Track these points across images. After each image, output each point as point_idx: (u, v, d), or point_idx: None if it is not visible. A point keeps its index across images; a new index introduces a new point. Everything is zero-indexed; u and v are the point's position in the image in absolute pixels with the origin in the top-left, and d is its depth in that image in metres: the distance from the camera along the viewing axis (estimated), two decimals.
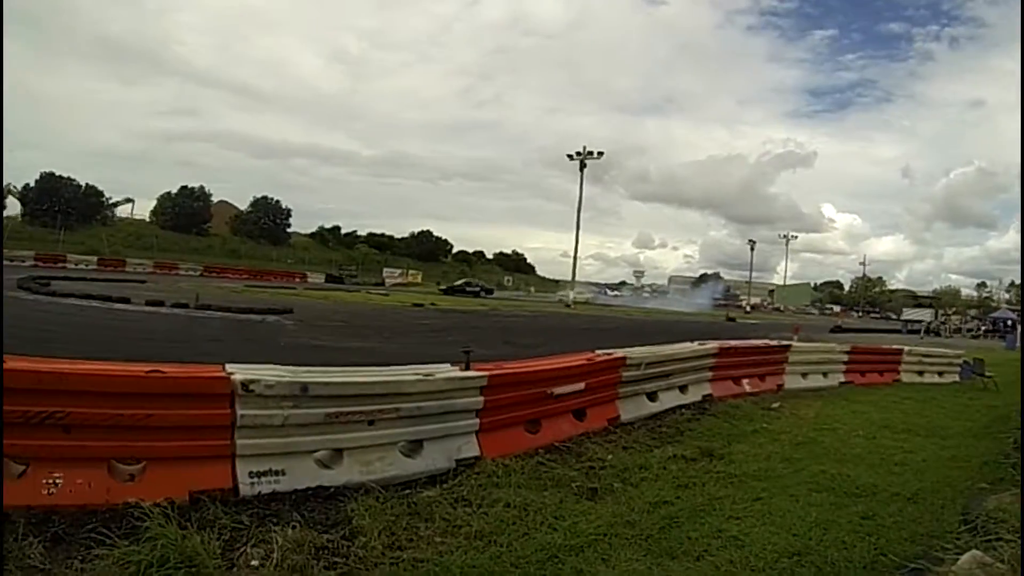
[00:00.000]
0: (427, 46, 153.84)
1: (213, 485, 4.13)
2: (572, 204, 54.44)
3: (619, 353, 7.29)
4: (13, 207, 58.54)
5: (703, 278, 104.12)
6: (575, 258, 52.42)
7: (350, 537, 3.93)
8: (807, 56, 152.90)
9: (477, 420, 5.39)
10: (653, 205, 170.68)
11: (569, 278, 54.41)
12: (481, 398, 5.37)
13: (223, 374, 4.27)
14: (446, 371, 5.33)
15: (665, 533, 4.30)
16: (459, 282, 51.65)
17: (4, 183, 53.90)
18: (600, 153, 51.96)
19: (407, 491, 4.64)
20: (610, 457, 5.93)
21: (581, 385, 6.45)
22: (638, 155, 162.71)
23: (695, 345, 8.92)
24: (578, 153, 51.44)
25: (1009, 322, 51.87)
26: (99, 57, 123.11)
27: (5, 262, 38.10)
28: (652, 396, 7.84)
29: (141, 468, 4.11)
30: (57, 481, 3.88)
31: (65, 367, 4.05)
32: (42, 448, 3.89)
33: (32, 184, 58.50)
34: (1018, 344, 30.39)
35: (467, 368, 5.47)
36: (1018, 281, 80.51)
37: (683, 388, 8.45)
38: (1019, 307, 62.64)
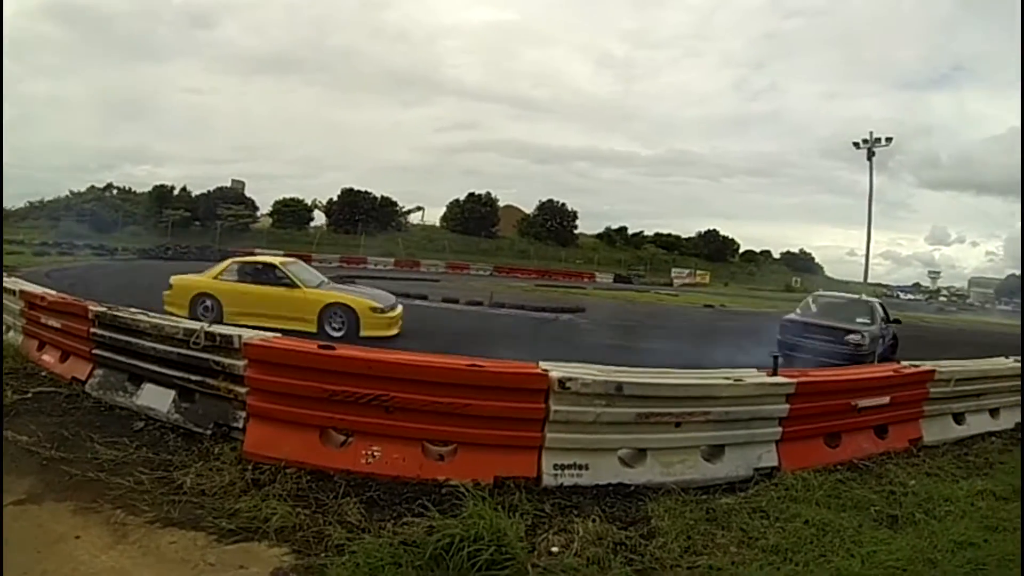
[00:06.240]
0: (692, 40, 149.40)
1: (518, 473, 4.33)
2: (858, 197, 50.37)
3: (927, 366, 6.42)
4: (319, 218, 69.21)
5: (1009, 280, 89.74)
6: (867, 258, 47.49)
7: (648, 536, 3.89)
8: None
9: (780, 429, 5.10)
10: (947, 193, 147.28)
11: (856, 279, 49.95)
12: (787, 406, 5.07)
13: (540, 371, 4.45)
14: (754, 376, 5.12)
15: None
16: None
17: (247, 196, 65.85)
18: (889, 139, 46.77)
19: (705, 496, 4.51)
20: (912, 483, 5.24)
21: (886, 399, 5.81)
22: (925, 136, 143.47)
23: (1010, 361, 7.63)
24: (864, 140, 46.73)
25: None
26: (382, 88, 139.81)
27: (316, 264, 44.47)
28: (959, 418, 6.78)
29: (452, 450, 4.47)
30: (375, 453, 4.40)
31: (393, 357, 4.51)
32: (365, 424, 4.44)
33: (335, 199, 68.08)
34: None
35: (775, 374, 5.18)
36: None
37: (994, 412, 7.19)
38: None
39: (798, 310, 13.59)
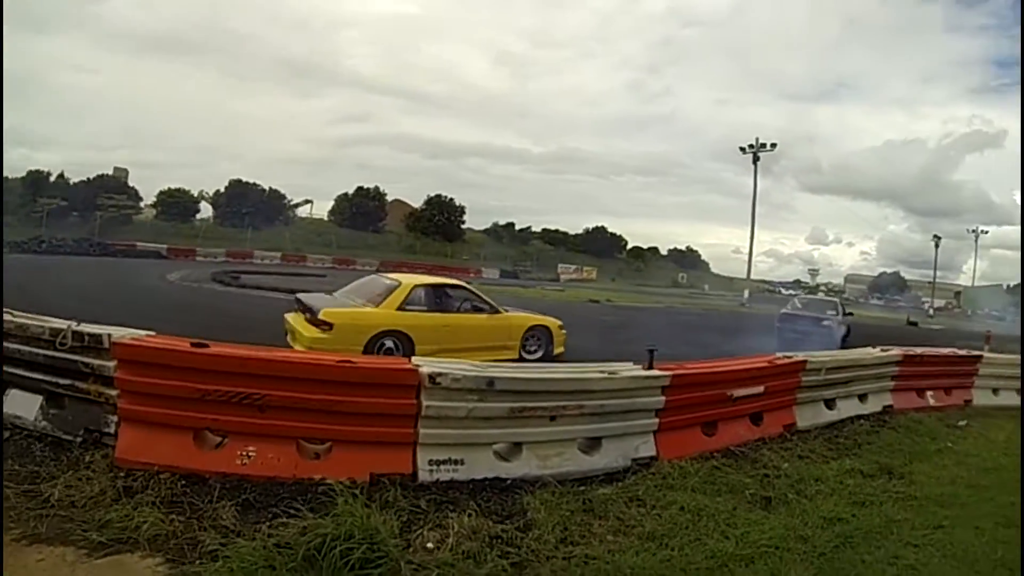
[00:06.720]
0: (590, 42, 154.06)
1: (394, 469, 4.32)
2: (744, 198, 53.28)
3: (800, 356, 6.85)
4: (205, 210, 65.36)
5: (881, 277, 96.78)
6: (750, 255, 50.14)
7: (524, 529, 3.95)
8: (990, 21, 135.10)
9: (656, 420, 5.30)
10: (827, 197, 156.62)
11: (741, 275, 52.79)
12: (662, 398, 5.27)
13: (411, 366, 4.47)
14: (630, 370, 5.27)
15: (838, 553, 4.04)
16: None
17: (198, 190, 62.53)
18: (773, 145, 49.03)
19: (582, 487, 4.62)
20: (785, 466, 5.59)
21: (760, 388, 6.14)
22: (808, 144, 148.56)
23: (877, 351, 8.16)
24: (750, 146, 48.88)
25: None
26: (278, 77, 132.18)
27: (200, 258, 42.79)
28: (830, 404, 7.27)
29: (327, 448, 4.40)
30: (250, 454, 4.28)
31: (265, 354, 4.40)
32: (240, 424, 4.31)
33: (222, 190, 64.86)
34: None
35: (650, 367, 5.37)
36: None
37: (862, 397, 7.75)
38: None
39: (788, 307, 19.30)
